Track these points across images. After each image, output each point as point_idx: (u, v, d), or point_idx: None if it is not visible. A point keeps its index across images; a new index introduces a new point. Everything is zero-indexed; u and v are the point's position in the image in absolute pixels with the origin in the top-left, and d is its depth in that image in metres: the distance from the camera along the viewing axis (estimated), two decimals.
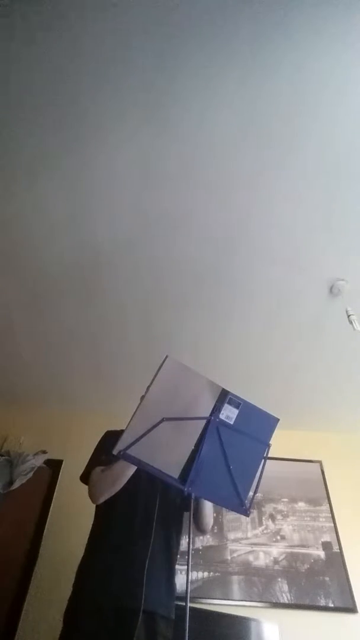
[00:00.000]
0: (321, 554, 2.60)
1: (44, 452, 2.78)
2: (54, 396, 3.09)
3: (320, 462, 3.05)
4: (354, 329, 2.02)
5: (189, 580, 1.22)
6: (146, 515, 1.38)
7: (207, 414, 1.19)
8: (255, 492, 1.18)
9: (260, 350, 2.59)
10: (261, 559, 2.55)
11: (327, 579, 2.48)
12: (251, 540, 2.64)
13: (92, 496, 1.39)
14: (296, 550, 2.61)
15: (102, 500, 1.37)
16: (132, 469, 1.33)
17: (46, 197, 1.88)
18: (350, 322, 2.06)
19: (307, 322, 2.38)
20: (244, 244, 2.02)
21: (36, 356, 2.73)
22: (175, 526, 1.47)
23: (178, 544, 1.47)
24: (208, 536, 2.62)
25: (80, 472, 1.52)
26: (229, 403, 1.23)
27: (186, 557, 1.25)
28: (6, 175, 1.81)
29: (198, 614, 1.83)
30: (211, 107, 1.57)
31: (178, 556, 1.46)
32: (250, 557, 2.55)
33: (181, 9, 1.34)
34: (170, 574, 1.36)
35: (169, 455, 1.13)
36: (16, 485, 2.50)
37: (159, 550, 1.34)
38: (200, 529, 1.49)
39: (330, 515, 2.77)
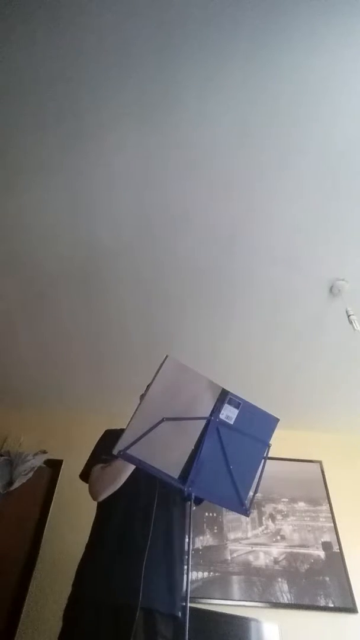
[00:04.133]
0: (321, 554, 2.60)
1: (44, 452, 2.78)
2: (54, 396, 3.09)
3: (320, 462, 3.05)
4: (354, 329, 2.02)
5: (189, 580, 1.22)
6: (145, 513, 1.38)
7: (207, 414, 1.19)
8: (255, 492, 1.18)
9: (260, 350, 2.59)
10: (261, 559, 2.55)
11: (327, 579, 2.48)
12: (251, 540, 2.64)
13: (93, 493, 1.40)
14: (296, 550, 2.61)
15: (102, 497, 1.38)
16: (131, 467, 1.34)
17: (46, 197, 1.88)
18: (350, 322, 2.06)
19: (307, 322, 2.38)
20: (244, 244, 2.02)
21: (36, 356, 2.73)
22: (177, 523, 1.46)
23: (182, 540, 1.46)
24: (208, 536, 2.62)
25: (81, 470, 1.53)
26: (229, 403, 1.23)
27: (186, 557, 1.25)
28: (6, 175, 1.81)
29: (198, 614, 1.83)
30: (211, 107, 1.57)
31: (184, 551, 1.45)
32: (250, 557, 2.55)
33: (181, 9, 1.34)
34: (172, 571, 1.35)
35: (169, 455, 1.13)
36: (16, 485, 2.49)
37: (159, 547, 1.34)
38: None
39: (330, 515, 2.77)
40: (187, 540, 1.24)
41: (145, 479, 1.42)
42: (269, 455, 1.23)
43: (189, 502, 1.28)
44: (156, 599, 1.25)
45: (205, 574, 2.46)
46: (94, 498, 1.40)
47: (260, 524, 2.73)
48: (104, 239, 2.03)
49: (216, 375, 1.32)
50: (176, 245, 2.04)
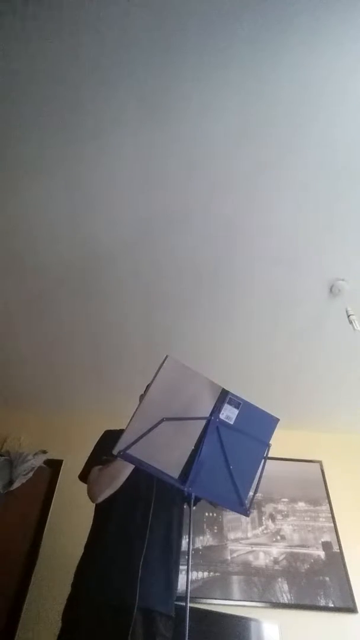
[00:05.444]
0: (321, 554, 2.60)
1: (44, 452, 2.78)
2: (54, 396, 3.09)
3: (320, 462, 3.05)
4: (354, 329, 2.02)
5: (189, 580, 1.22)
6: (143, 513, 1.39)
7: (207, 414, 1.19)
8: (255, 492, 1.18)
9: (260, 350, 2.59)
10: (261, 559, 2.55)
11: (327, 579, 2.48)
12: (251, 540, 2.64)
13: (91, 495, 1.41)
14: (296, 550, 2.61)
15: (100, 499, 1.39)
16: (129, 468, 1.34)
17: (47, 197, 1.88)
18: (350, 322, 2.06)
19: (307, 322, 2.38)
20: (244, 244, 2.02)
21: (36, 356, 2.73)
22: (177, 523, 1.47)
23: (180, 540, 1.46)
24: (208, 536, 2.62)
25: (80, 470, 1.53)
26: (229, 403, 1.23)
27: (186, 557, 1.25)
28: (7, 175, 1.81)
29: (198, 614, 1.83)
30: (211, 107, 1.57)
31: (180, 551, 1.45)
32: (250, 557, 2.55)
33: (180, 10, 1.34)
34: (170, 571, 1.36)
35: (169, 455, 1.13)
36: (16, 485, 2.49)
37: (157, 548, 1.35)
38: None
39: (330, 515, 2.77)
40: (186, 540, 1.24)
41: (143, 480, 1.42)
42: (269, 455, 1.23)
43: (189, 502, 1.28)
44: (155, 599, 1.26)
45: (205, 574, 2.46)
46: (93, 500, 1.40)
47: (260, 524, 2.73)
48: (103, 239, 2.03)
49: (216, 375, 1.32)
50: (176, 245, 2.04)
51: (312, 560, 2.56)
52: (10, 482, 2.51)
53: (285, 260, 2.07)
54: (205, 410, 1.19)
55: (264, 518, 2.75)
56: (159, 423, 1.11)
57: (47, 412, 3.18)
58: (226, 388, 1.26)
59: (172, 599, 1.32)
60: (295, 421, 3.05)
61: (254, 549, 2.60)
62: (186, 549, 1.26)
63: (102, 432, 1.64)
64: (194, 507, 1.37)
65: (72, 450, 2.84)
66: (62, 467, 2.84)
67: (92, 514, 1.51)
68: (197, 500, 1.46)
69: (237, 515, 2.48)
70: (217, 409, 1.20)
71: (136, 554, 1.28)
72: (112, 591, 1.24)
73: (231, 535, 2.64)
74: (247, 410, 1.24)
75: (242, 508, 1.17)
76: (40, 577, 2.34)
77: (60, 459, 2.86)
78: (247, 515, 1.19)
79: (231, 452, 1.18)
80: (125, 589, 1.22)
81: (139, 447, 1.08)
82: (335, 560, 2.57)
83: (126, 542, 1.33)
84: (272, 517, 2.76)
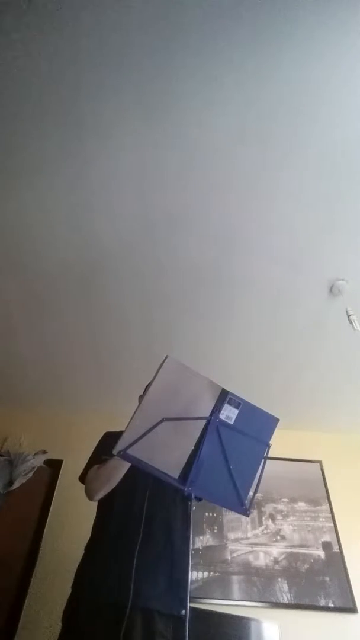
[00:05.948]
0: (321, 554, 2.60)
1: (44, 452, 2.78)
2: (54, 396, 3.09)
3: (320, 462, 3.05)
4: (354, 329, 2.02)
5: (189, 580, 1.22)
6: (138, 512, 1.39)
7: (207, 414, 1.19)
8: (255, 492, 1.18)
9: (260, 350, 2.59)
10: (261, 559, 2.55)
11: (327, 579, 2.48)
12: (251, 540, 2.64)
13: (88, 493, 1.42)
14: (296, 550, 2.61)
15: (97, 497, 1.40)
16: (125, 466, 1.35)
17: (47, 197, 1.88)
18: (350, 322, 2.06)
19: (307, 322, 2.38)
20: (244, 244, 2.02)
21: (36, 356, 2.73)
22: (179, 522, 1.46)
23: (183, 539, 1.44)
24: (208, 536, 2.62)
25: (80, 472, 1.53)
26: (229, 403, 1.23)
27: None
28: (7, 175, 1.81)
29: (198, 614, 1.83)
30: (211, 107, 1.57)
31: (188, 551, 1.43)
32: (250, 557, 2.55)
33: (180, 10, 1.34)
34: (172, 570, 1.35)
35: (169, 455, 1.13)
36: (16, 485, 2.49)
37: (158, 546, 1.34)
38: None
39: (330, 515, 2.77)
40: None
41: (140, 479, 1.42)
42: (269, 455, 1.23)
43: (190, 501, 1.28)
44: (154, 599, 1.25)
45: (205, 574, 2.46)
46: (90, 497, 1.42)
47: (260, 524, 2.73)
48: (104, 239, 2.03)
49: (216, 375, 1.32)
50: (176, 245, 2.04)
51: (312, 560, 2.56)
52: (10, 482, 2.50)
53: (285, 260, 2.07)
54: (205, 410, 1.20)
55: (264, 518, 2.75)
56: (159, 423, 1.11)
57: (47, 412, 3.19)
58: (226, 388, 1.26)
59: (175, 598, 1.31)
60: (295, 421, 3.06)
61: (254, 549, 2.60)
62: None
63: (102, 433, 1.64)
64: (194, 507, 1.37)
65: (72, 450, 2.85)
66: (62, 467, 2.84)
67: (92, 513, 1.51)
68: (197, 498, 1.45)
69: (237, 515, 2.49)
70: (217, 409, 1.20)
71: (129, 553, 1.28)
72: (107, 590, 1.24)
73: (231, 535, 2.64)
74: (247, 410, 1.24)
75: (242, 508, 1.17)
76: (40, 577, 2.34)
77: (60, 459, 2.87)
78: (247, 515, 1.19)
79: (231, 452, 1.18)
80: (120, 588, 1.22)
81: (139, 447, 1.08)
82: (335, 560, 2.57)
83: (123, 541, 1.34)
84: (272, 517, 2.76)
